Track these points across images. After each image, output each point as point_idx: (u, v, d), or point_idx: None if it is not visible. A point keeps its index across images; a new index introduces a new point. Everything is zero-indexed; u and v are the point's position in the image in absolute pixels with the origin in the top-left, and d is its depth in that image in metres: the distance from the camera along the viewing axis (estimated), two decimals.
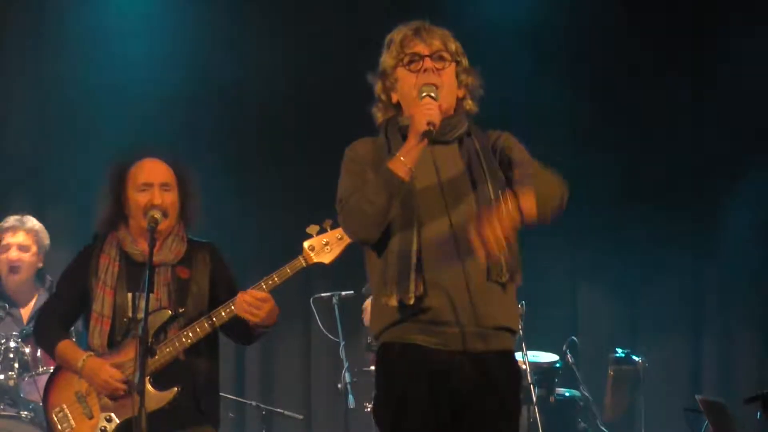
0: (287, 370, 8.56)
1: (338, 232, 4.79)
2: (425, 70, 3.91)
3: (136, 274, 4.88)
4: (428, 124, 3.73)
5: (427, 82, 3.89)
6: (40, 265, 6.85)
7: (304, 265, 4.87)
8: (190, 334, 4.83)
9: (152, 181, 4.95)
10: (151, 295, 4.78)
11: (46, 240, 6.87)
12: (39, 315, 5.26)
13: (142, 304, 4.70)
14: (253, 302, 4.77)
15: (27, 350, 6.41)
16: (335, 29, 8.37)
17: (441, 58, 3.94)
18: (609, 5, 8.44)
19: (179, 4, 8.33)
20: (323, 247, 4.86)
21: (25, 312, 6.82)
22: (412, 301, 3.80)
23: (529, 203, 3.69)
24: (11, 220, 6.86)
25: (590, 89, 8.43)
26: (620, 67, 8.52)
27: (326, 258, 4.87)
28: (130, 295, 4.93)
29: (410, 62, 3.94)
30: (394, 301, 3.83)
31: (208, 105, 8.40)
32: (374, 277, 3.96)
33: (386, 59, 4.00)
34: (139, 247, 4.95)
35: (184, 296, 4.91)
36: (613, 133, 8.43)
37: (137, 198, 4.94)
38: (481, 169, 3.90)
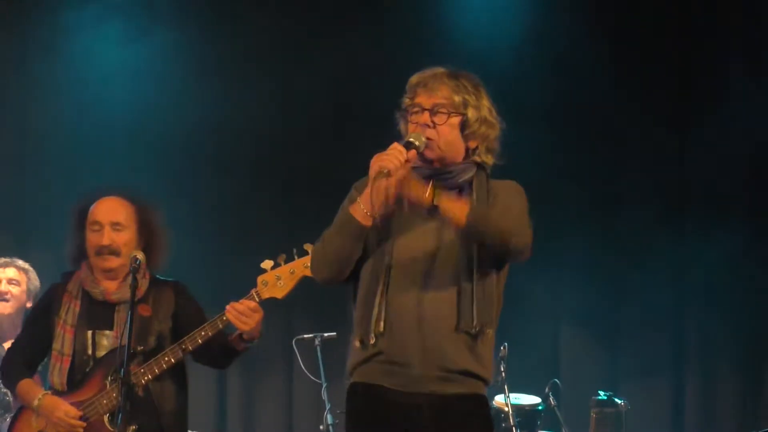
0: (269, 411, 8.52)
1: (291, 266, 4.84)
2: (416, 122, 3.93)
3: (97, 312, 4.94)
4: (381, 168, 3.75)
5: (417, 133, 3.90)
6: (28, 305, 6.91)
7: (257, 299, 4.89)
8: (147, 372, 4.87)
9: (101, 221, 5.01)
10: (110, 332, 4.92)
11: (36, 282, 6.94)
12: (6, 353, 5.31)
13: (102, 341, 4.87)
14: (244, 311, 4.81)
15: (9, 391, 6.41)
16: (317, 71, 8.38)
17: (439, 112, 3.92)
18: (593, 58, 8.48)
19: (157, 49, 8.34)
20: (276, 281, 4.88)
21: None
22: (372, 341, 3.84)
23: (455, 205, 3.77)
24: (1, 259, 6.96)
25: (572, 135, 8.47)
26: (600, 117, 8.57)
27: (278, 293, 4.89)
28: (90, 333, 4.96)
29: (412, 113, 3.96)
30: (357, 342, 3.88)
31: (183, 145, 8.41)
32: (352, 309, 4.03)
33: (403, 104, 4.03)
34: (99, 286, 5.00)
35: (144, 334, 4.94)
36: (593, 180, 8.46)
37: (89, 237, 5.02)
38: None
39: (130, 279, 4.96)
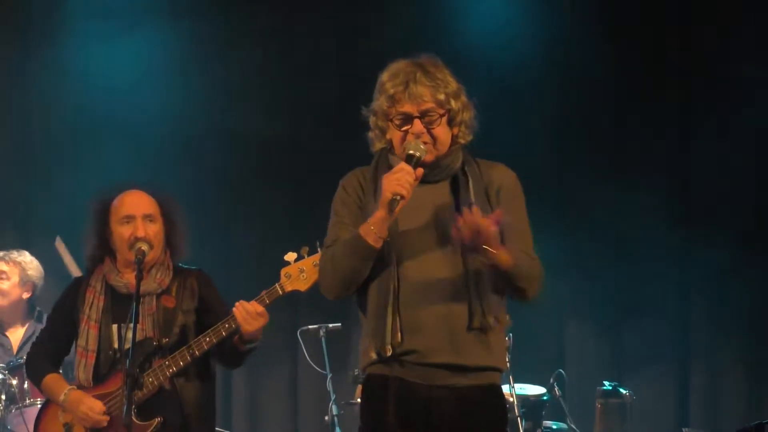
0: (274, 402, 8.53)
1: (314, 258, 4.78)
2: (413, 133, 3.92)
3: (121, 306, 4.91)
4: (394, 195, 3.75)
5: (415, 142, 3.90)
6: (25, 296, 6.94)
7: (280, 293, 4.88)
8: (172, 365, 4.85)
9: (134, 213, 4.98)
10: (137, 325, 4.81)
11: (31, 272, 6.97)
12: (30, 349, 5.29)
13: (128, 335, 4.75)
14: (251, 312, 4.79)
15: (14, 382, 6.44)
16: (322, 69, 8.41)
17: (430, 117, 3.93)
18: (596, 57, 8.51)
19: (167, 42, 8.36)
20: (300, 274, 4.86)
21: (15, 342, 6.88)
22: (389, 353, 3.85)
23: (503, 253, 3.77)
24: None
25: (574, 133, 8.50)
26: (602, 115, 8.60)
27: (302, 285, 4.87)
28: (115, 327, 4.96)
29: (399, 120, 3.95)
30: (373, 354, 3.89)
31: (194, 137, 8.44)
32: (361, 319, 4.04)
33: (378, 105, 4.00)
34: (123, 279, 4.97)
35: (170, 326, 4.93)
36: (597, 174, 8.44)
37: (121, 231, 4.97)
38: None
39: (154, 271, 4.98)
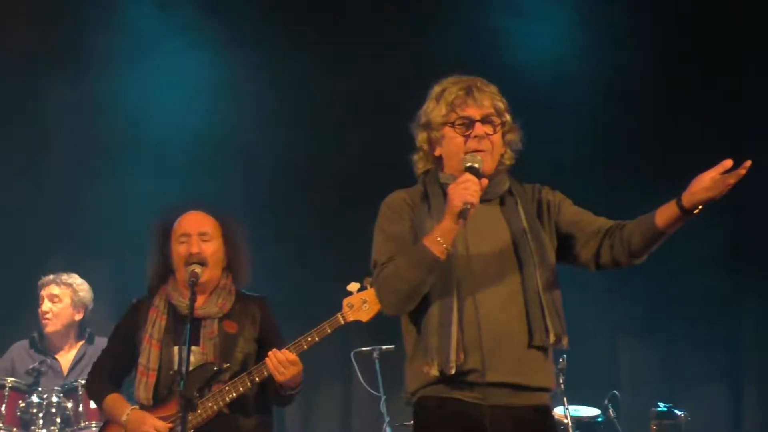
0: (328, 424, 8.53)
1: None
2: (475, 136, 3.94)
3: (183, 327, 4.91)
4: (465, 203, 3.74)
5: (476, 149, 3.92)
6: (77, 317, 6.99)
7: (342, 323, 4.88)
8: (232, 390, 4.85)
9: (190, 231, 5.02)
10: (197, 348, 4.86)
11: (83, 294, 7.01)
12: (90, 370, 5.32)
13: (189, 357, 4.76)
14: (282, 361, 4.79)
15: (69, 405, 6.47)
16: (366, 89, 8.43)
17: (491, 122, 3.96)
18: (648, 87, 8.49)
19: (218, 69, 8.44)
20: (362, 305, 4.85)
21: (65, 364, 6.92)
22: (453, 371, 3.82)
23: None
24: (50, 276, 7.05)
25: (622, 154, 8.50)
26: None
27: (364, 316, 4.87)
28: (176, 348, 4.96)
29: (461, 125, 3.96)
30: (435, 371, 3.83)
31: (246, 162, 8.49)
32: (409, 339, 3.99)
33: (434, 114, 4.01)
34: (185, 300, 4.97)
35: (230, 351, 4.94)
36: (646, 192, 8.40)
37: (178, 249, 5.02)
38: (523, 231, 3.94)
39: (215, 296, 5.01)
